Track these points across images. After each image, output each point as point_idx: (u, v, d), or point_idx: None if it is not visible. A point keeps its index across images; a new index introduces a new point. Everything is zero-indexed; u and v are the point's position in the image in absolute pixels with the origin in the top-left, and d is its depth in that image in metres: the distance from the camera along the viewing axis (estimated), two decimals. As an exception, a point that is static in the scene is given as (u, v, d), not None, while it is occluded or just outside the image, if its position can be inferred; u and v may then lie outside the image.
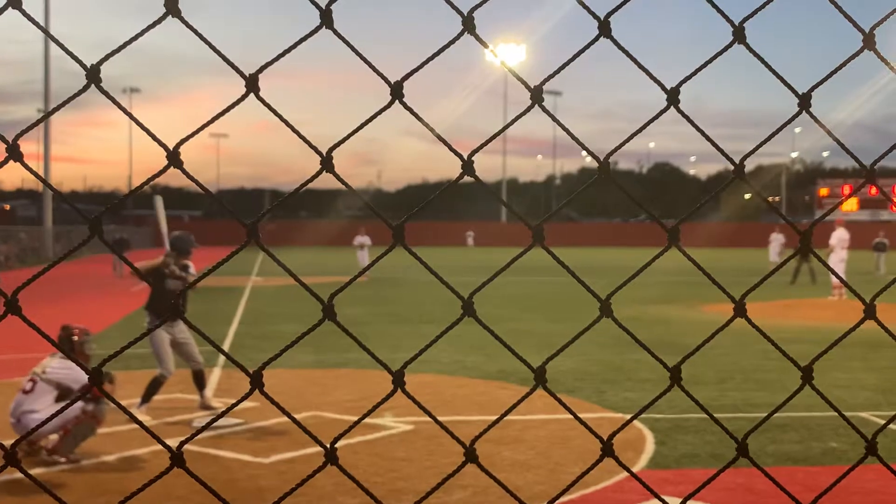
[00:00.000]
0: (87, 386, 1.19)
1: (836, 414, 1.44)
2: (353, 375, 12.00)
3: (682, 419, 9.15)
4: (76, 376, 7.77)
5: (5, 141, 1.09)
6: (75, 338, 8.10)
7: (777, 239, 41.73)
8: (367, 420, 7.81)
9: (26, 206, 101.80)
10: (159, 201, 10.58)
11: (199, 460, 7.62)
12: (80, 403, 7.59)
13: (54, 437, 7.60)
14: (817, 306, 22.43)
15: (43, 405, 7.64)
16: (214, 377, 11.76)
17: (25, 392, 7.76)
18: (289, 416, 1.28)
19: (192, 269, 9.95)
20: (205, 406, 9.76)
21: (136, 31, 1.17)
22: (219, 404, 9.85)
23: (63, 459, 7.56)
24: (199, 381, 9.79)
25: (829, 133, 1.45)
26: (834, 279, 23.14)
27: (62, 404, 7.55)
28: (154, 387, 9.44)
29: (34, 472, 7.27)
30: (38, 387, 7.72)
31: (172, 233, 10.01)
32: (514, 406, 1.39)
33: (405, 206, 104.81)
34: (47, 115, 1.21)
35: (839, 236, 24.26)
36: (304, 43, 1.22)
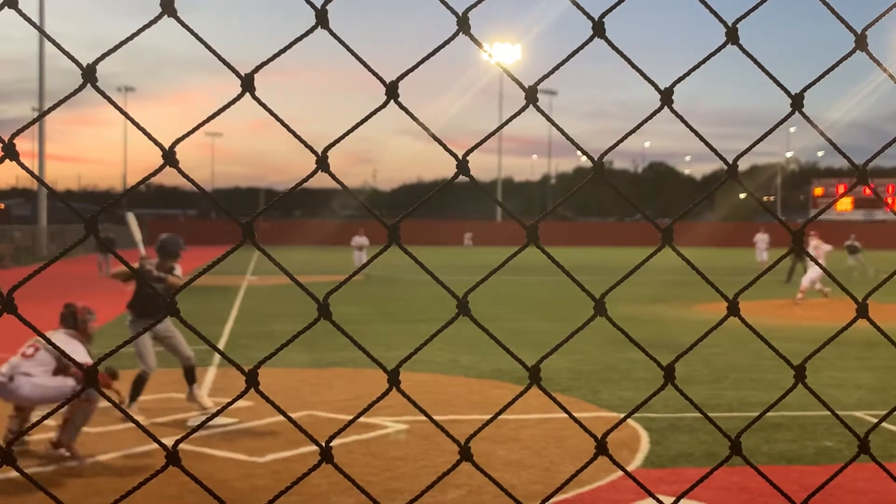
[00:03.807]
0: (84, 382, 1.20)
1: (830, 413, 1.45)
2: (347, 374, 12.00)
3: (676, 418, 9.16)
4: (77, 354, 7.71)
5: (0, 140, 1.09)
6: (78, 315, 8.07)
7: (762, 239, 41.95)
8: (362, 419, 7.72)
9: (20, 204, 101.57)
10: (131, 217, 10.62)
11: (194, 459, 7.61)
12: (73, 384, 7.57)
13: (50, 421, 7.62)
14: (812, 306, 22.46)
15: (39, 372, 7.58)
16: (209, 376, 11.76)
17: (25, 356, 7.69)
18: (284, 414, 1.28)
19: (179, 271, 9.93)
20: (192, 399, 9.69)
21: (131, 29, 1.17)
22: (211, 404, 9.84)
23: (69, 454, 7.52)
24: (190, 375, 9.75)
25: (822, 133, 1.45)
26: (816, 278, 22.87)
27: (57, 379, 7.54)
28: (138, 385, 9.40)
29: (28, 471, 7.26)
30: (40, 354, 7.66)
31: (160, 236, 10.01)
32: (509, 405, 1.39)
33: (400, 206, 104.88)
34: (44, 114, 1.21)
35: (822, 248, 23.92)
36: (299, 40, 1.22)
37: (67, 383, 7.57)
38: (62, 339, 7.78)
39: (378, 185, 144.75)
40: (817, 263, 1.41)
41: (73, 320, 8.02)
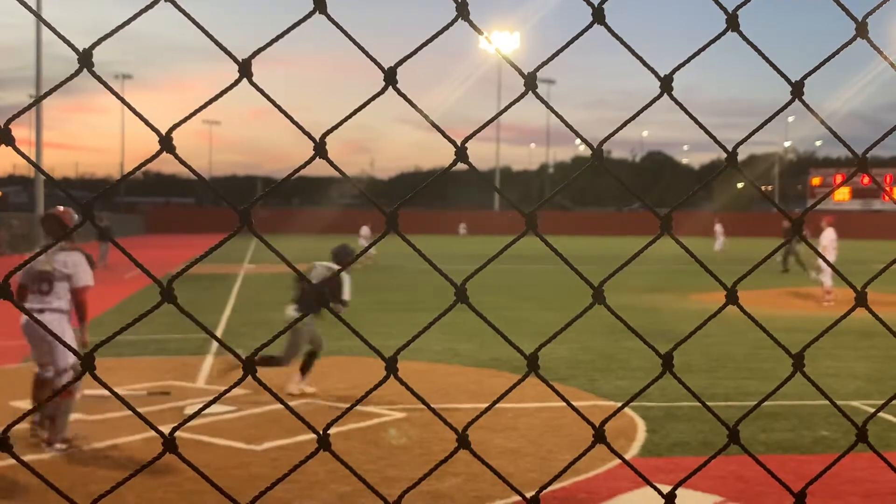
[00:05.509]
0: (82, 368, 1.20)
1: (827, 402, 1.45)
2: (345, 363, 12.01)
3: (673, 407, 9.18)
4: (82, 268, 7.63)
5: (-3, 125, 1.09)
6: (66, 218, 7.68)
7: (719, 230, 43.24)
8: (359, 407, 7.73)
9: (17, 192, 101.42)
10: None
11: (191, 447, 7.62)
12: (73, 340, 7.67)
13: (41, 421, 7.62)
14: (809, 295, 22.48)
15: (63, 299, 7.56)
16: (207, 364, 11.76)
17: (43, 293, 7.53)
18: (282, 402, 1.28)
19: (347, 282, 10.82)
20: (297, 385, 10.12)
21: (128, 16, 1.16)
22: (296, 390, 10.07)
23: (64, 446, 7.48)
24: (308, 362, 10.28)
25: (822, 121, 1.45)
26: (826, 283, 21.91)
27: (69, 333, 7.62)
28: (269, 363, 9.95)
29: (24, 458, 7.26)
30: (57, 285, 7.53)
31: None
32: (507, 393, 1.39)
33: (398, 194, 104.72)
34: (40, 99, 1.20)
35: (829, 237, 22.64)
36: (298, 29, 1.21)
37: (72, 340, 7.64)
38: (64, 259, 7.56)
39: (376, 174, 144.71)
40: (816, 252, 1.41)
41: (62, 225, 7.58)
